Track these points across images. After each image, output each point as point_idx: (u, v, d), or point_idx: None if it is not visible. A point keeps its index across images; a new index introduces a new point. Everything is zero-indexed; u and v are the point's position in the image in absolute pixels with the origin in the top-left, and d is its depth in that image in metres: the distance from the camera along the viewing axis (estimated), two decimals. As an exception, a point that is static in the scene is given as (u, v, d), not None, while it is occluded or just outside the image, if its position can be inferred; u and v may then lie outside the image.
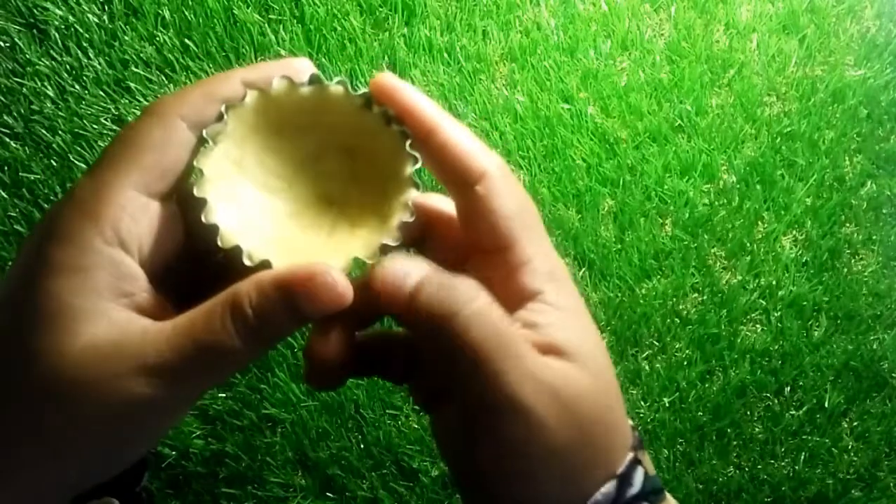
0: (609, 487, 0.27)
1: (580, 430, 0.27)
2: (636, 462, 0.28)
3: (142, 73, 1.12)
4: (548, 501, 0.28)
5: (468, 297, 0.26)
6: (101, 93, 1.11)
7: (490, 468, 0.27)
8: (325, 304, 0.26)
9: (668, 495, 0.30)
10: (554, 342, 0.27)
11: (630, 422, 0.30)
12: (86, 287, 0.24)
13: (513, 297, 0.29)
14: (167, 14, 1.13)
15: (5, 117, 1.08)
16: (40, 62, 1.10)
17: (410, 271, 0.27)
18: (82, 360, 0.24)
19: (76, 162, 1.08)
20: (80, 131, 1.09)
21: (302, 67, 0.30)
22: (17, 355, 0.24)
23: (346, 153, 0.31)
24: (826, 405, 1.13)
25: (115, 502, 0.29)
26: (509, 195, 0.30)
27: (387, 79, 0.30)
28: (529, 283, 0.29)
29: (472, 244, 0.30)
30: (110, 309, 0.25)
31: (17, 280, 0.26)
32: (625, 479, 0.28)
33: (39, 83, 1.10)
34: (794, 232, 1.20)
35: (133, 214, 0.26)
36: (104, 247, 0.25)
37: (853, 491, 1.10)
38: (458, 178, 0.30)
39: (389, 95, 0.30)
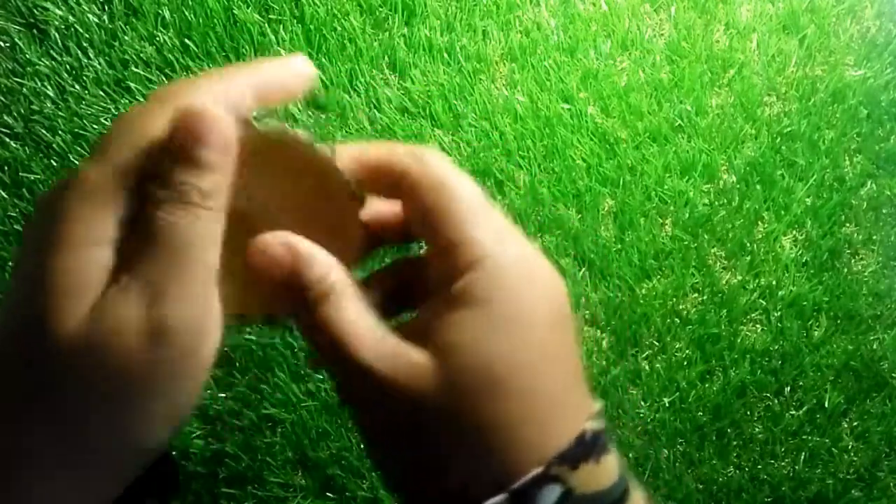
0: (495, 501, 0.26)
1: (426, 432, 0.26)
2: (544, 479, 0.26)
3: (142, 73, 1.12)
4: (414, 492, 0.28)
5: (321, 287, 0.28)
6: (101, 93, 1.11)
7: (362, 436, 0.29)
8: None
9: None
10: (429, 333, 0.27)
11: (581, 426, 0.27)
12: (93, 261, 0.25)
13: (442, 276, 0.28)
14: (167, 14, 1.13)
15: (5, 117, 1.08)
16: (40, 62, 1.10)
17: (283, 255, 0.28)
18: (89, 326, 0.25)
19: (76, 162, 1.08)
20: (80, 131, 1.09)
21: (301, 69, 0.29)
22: (35, 323, 0.25)
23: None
24: (826, 405, 1.13)
25: None
26: (430, 191, 0.29)
27: None
28: (450, 262, 0.28)
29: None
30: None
31: (27, 257, 0.26)
32: (521, 498, 0.26)
33: (39, 83, 1.10)
34: (794, 232, 1.20)
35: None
36: (116, 227, 0.26)
37: (853, 491, 1.10)
38: (388, 183, 0.30)
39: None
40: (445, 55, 1.18)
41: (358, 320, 0.27)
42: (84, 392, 0.25)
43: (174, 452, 1.00)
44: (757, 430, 1.12)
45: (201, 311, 0.26)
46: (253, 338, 1.05)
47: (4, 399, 0.26)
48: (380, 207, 0.31)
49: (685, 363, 1.12)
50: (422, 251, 0.32)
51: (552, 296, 0.28)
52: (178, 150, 0.26)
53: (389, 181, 0.29)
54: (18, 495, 0.25)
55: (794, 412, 1.13)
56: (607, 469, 0.27)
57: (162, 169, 0.26)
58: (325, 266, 0.28)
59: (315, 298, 0.28)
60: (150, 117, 0.26)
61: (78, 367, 0.25)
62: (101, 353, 0.25)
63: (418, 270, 0.31)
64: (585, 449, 0.27)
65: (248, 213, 0.30)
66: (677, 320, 1.14)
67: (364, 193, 0.30)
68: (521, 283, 0.28)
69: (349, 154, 0.30)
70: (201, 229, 0.26)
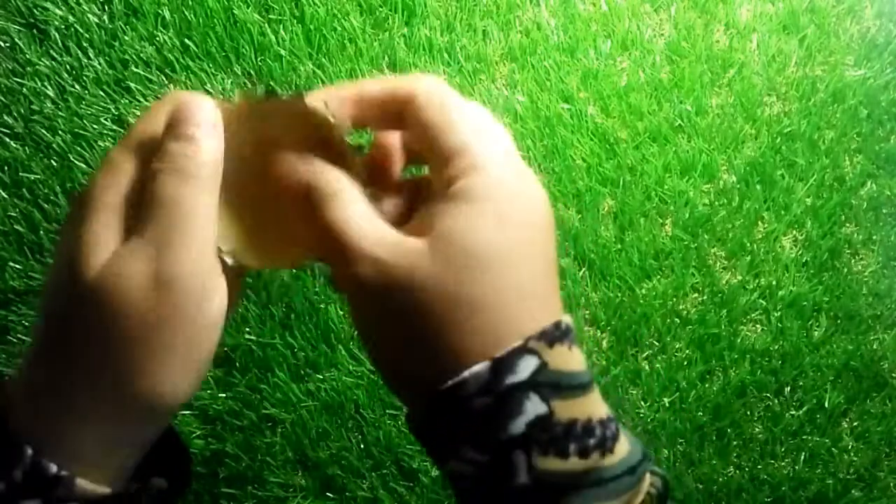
0: (478, 368, 0.28)
1: (422, 308, 0.29)
2: (523, 350, 0.28)
3: (142, 73, 1.12)
4: (410, 378, 0.30)
5: (330, 188, 0.31)
6: (101, 93, 1.11)
7: (359, 334, 0.32)
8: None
9: (591, 396, 0.30)
10: (429, 226, 0.30)
11: (558, 317, 0.30)
12: (109, 222, 0.29)
13: (442, 182, 0.31)
14: (167, 14, 1.13)
15: (5, 117, 1.08)
16: (40, 62, 1.10)
17: (300, 164, 0.32)
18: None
19: (76, 162, 1.08)
20: (80, 131, 1.09)
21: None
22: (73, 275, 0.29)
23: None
24: (826, 405, 1.13)
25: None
26: (440, 109, 0.31)
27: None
28: (450, 169, 0.30)
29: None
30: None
31: (64, 224, 0.31)
32: (502, 365, 0.28)
33: (39, 83, 1.10)
34: (794, 232, 1.20)
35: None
36: (130, 194, 0.30)
37: (853, 491, 1.11)
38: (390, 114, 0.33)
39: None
40: (445, 55, 1.18)
41: (363, 216, 0.31)
42: (100, 340, 0.28)
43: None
44: (757, 430, 1.12)
45: (200, 266, 0.29)
46: (253, 338, 1.05)
47: (44, 345, 0.29)
48: (385, 140, 0.35)
49: (685, 363, 1.12)
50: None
51: (543, 209, 0.31)
52: (173, 127, 0.30)
53: (393, 110, 0.32)
54: (60, 437, 0.28)
55: (794, 412, 1.13)
56: (577, 357, 0.30)
57: (161, 146, 0.30)
58: (335, 172, 0.32)
59: (326, 196, 0.31)
60: (159, 110, 0.31)
61: (94, 315, 0.28)
62: (110, 304, 0.28)
63: (420, 191, 0.34)
64: (561, 334, 0.30)
65: (260, 172, 0.33)
66: (677, 320, 1.14)
67: (356, 135, 0.33)
68: (518, 191, 0.31)
69: (349, 95, 0.33)
70: (192, 193, 0.29)
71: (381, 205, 0.33)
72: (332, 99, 0.32)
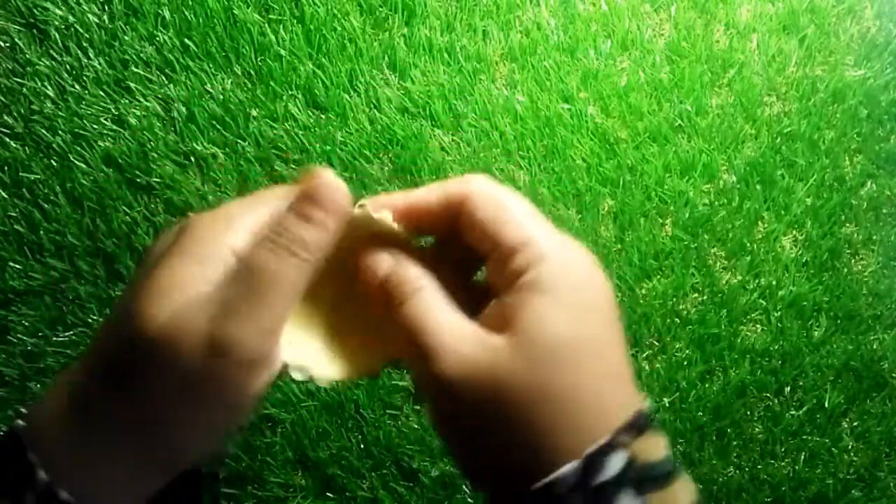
0: (569, 468, 0.28)
1: (510, 405, 0.28)
2: (612, 445, 0.28)
3: (142, 73, 1.12)
4: (498, 474, 0.30)
5: (413, 286, 0.31)
6: (101, 93, 1.11)
7: (442, 434, 0.31)
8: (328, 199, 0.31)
9: (678, 485, 0.30)
10: (505, 320, 0.30)
11: (639, 404, 0.30)
12: (196, 274, 0.29)
13: (507, 275, 0.31)
14: (167, 14, 1.13)
15: (5, 117, 1.08)
16: (40, 62, 1.10)
17: (384, 261, 0.33)
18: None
19: (76, 162, 1.08)
20: (80, 131, 1.09)
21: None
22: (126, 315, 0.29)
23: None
24: (826, 405, 1.13)
25: None
26: (488, 202, 0.32)
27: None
28: (515, 261, 0.31)
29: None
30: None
31: (148, 258, 0.31)
32: (592, 462, 0.28)
33: (39, 83, 1.10)
34: (794, 232, 1.20)
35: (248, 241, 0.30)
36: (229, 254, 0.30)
37: (853, 491, 1.11)
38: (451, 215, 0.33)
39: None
40: (445, 55, 1.18)
41: (445, 312, 0.31)
42: (140, 388, 0.28)
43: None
44: (757, 430, 1.12)
45: (262, 340, 0.28)
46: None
47: (94, 380, 0.29)
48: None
49: (685, 363, 1.12)
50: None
51: (607, 295, 0.32)
52: (301, 202, 0.30)
53: (447, 216, 0.33)
54: (88, 473, 0.28)
55: (794, 412, 1.13)
56: (661, 443, 0.31)
57: (280, 216, 0.30)
58: (415, 268, 0.32)
59: (407, 291, 0.31)
60: (304, 182, 0.31)
61: (149, 360, 0.28)
62: (167, 351, 0.28)
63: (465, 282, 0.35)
64: (645, 422, 0.30)
65: (336, 278, 0.33)
66: (677, 320, 1.14)
67: (419, 239, 0.34)
68: (583, 278, 0.31)
69: (403, 207, 0.33)
70: (287, 273, 0.29)
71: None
72: (388, 210, 0.32)
